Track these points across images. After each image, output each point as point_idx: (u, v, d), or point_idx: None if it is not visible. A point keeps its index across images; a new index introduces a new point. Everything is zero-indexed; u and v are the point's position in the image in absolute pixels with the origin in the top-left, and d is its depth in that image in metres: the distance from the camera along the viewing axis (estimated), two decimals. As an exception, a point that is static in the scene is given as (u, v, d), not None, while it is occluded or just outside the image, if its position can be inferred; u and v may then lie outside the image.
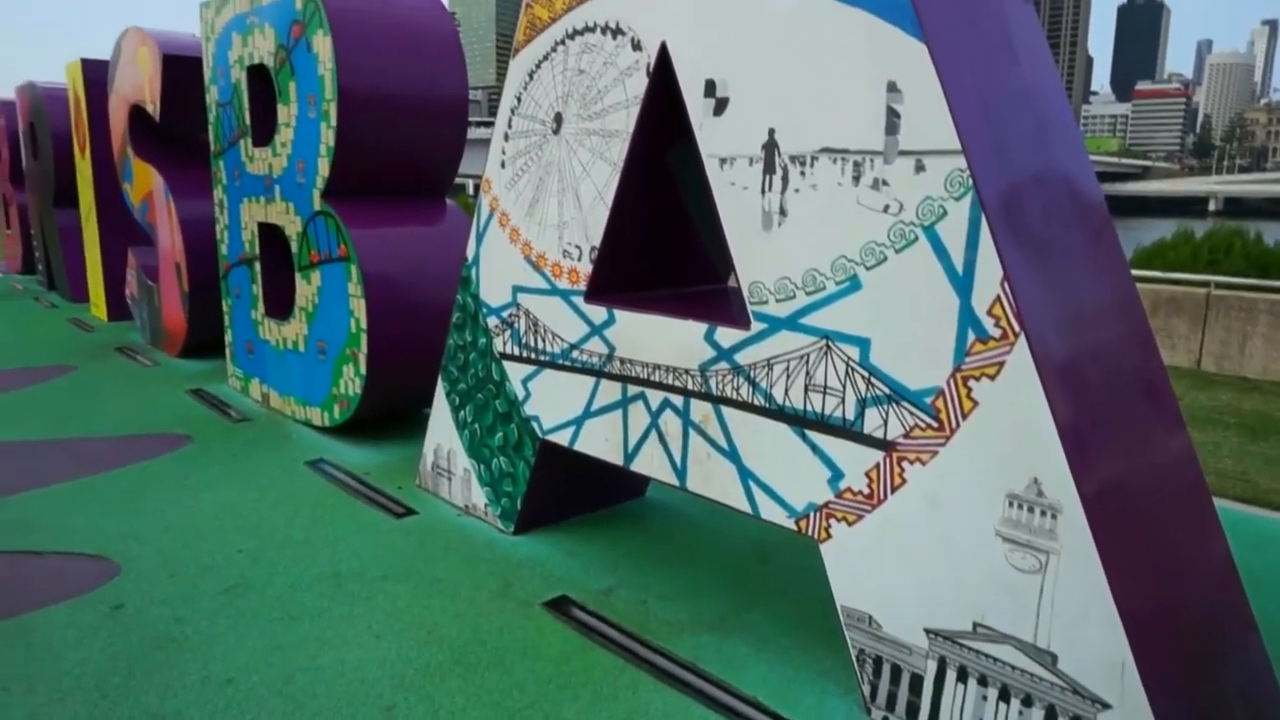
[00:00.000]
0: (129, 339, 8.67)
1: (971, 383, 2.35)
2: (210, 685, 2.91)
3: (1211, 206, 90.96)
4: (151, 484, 4.74)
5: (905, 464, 2.51)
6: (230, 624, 3.29)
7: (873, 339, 2.56)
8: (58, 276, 11.43)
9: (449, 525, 4.23)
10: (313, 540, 4.03)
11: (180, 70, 7.07)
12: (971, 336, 2.33)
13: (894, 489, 2.56)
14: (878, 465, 2.59)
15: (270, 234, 5.94)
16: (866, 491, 2.63)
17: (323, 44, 5.03)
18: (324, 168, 5.19)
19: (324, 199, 5.25)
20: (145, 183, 7.88)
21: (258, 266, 6.11)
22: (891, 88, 2.42)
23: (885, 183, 2.47)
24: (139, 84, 7.61)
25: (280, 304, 5.96)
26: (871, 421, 2.59)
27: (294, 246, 5.62)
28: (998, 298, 2.26)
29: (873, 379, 2.57)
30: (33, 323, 9.80)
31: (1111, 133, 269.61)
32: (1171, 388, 2.72)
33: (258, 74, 5.83)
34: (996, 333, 2.28)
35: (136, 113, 7.82)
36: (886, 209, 2.47)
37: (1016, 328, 2.24)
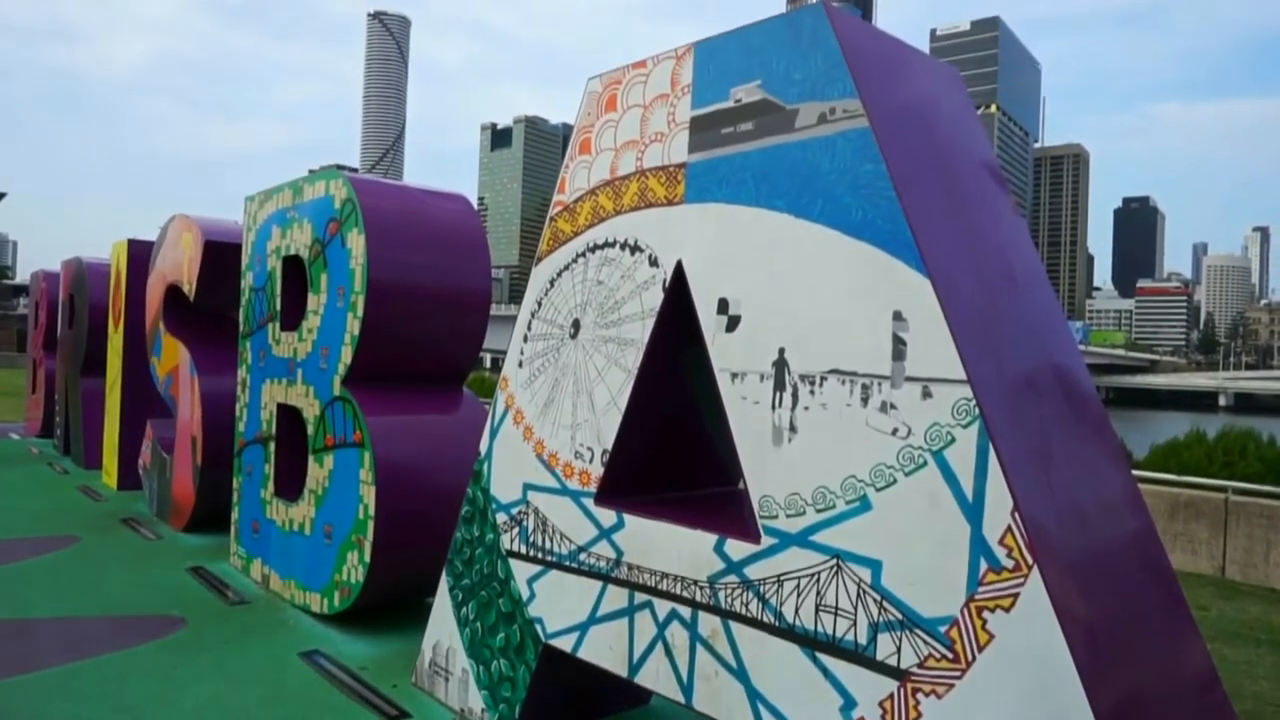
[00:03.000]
0: (136, 509, 8.63)
1: (986, 614, 2.29)
2: None
3: (1222, 402, 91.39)
4: (139, 673, 4.57)
5: (920, 695, 2.41)
6: (201, 842, 3.08)
7: (884, 561, 2.52)
8: (74, 443, 11.54)
9: (442, 731, 4.03)
10: (298, 744, 3.83)
11: (219, 255, 7.45)
12: (984, 566, 2.30)
13: (910, 723, 2.44)
14: (891, 696, 2.49)
15: (288, 415, 6.04)
16: (881, 724, 2.50)
17: (356, 241, 5.32)
18: (347, 355, 5.35)
19: (344, 385, 5.37)
20: (172, 357, 8.11)
21: (273, 446, 6.17)
22: (897, 316, 2.52)
23: (893, 406, 2.52)
24: (179, 265, 8.00)
25: (291, 485, 5.97)
26: (884, 648, 2.51)
27: (310, 429, 5.70)
28: (1009, 528, 2.25)
29: (885, 603, 2.51)
30: (43, 489, 9.80)
31: (1117, 326, 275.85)
32: (1181, 592, 2.69)
33: (292, 263, 6.14)
34: (1009, 564, 2.25)
35: (173, 291, 8.18)
36: (895, 432, 2.51)
37: (1029, 559, 2.21)
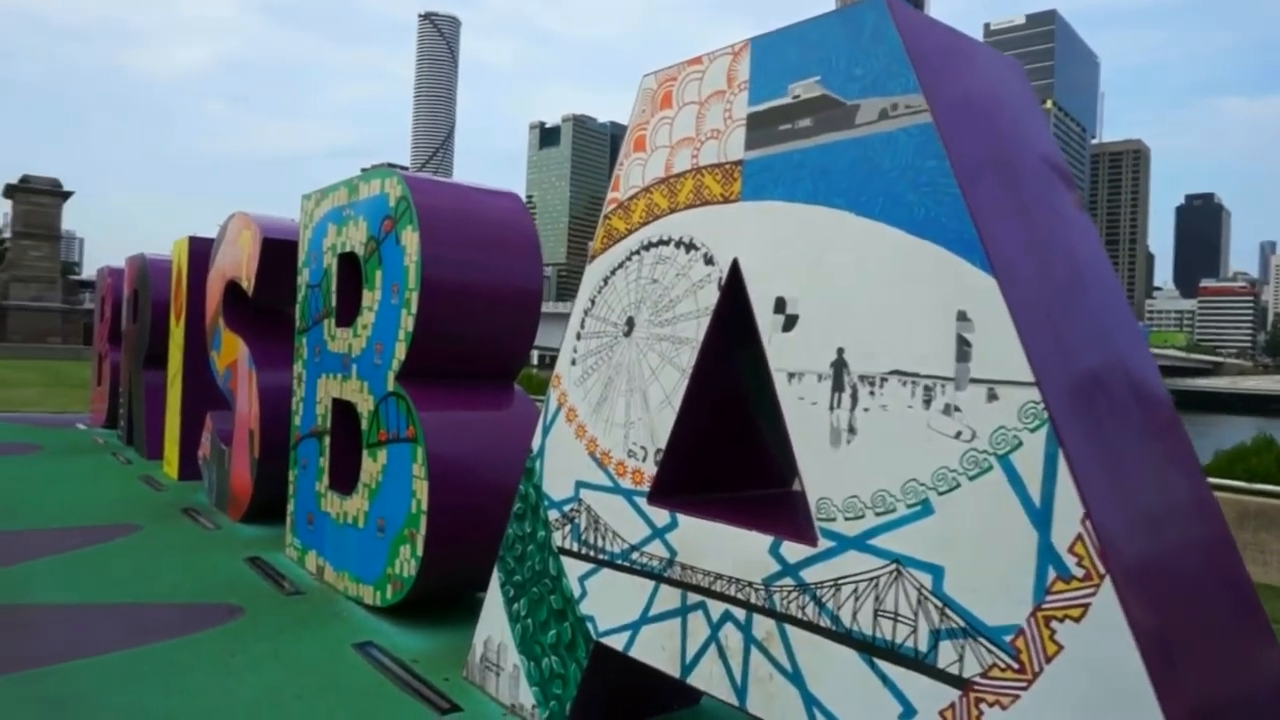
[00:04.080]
0: (195, 500, 8.85)
1: (1054, 624, 2.22)
2: None
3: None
4: (199, 660, 4.68)
5: (984, 706, 2.35)
6: (259, 828, 3.13)
7: (946, 567, 2.47)
8: (137, 434, 11.89)
9: (493, 726, 4.05)
10: (352, 735, 3.88)
11: (277, 252, 7.60)
12: (1053, 574, 2.23)
13: (972, 734, 2.38)
14: (953, 705, 2.43)
15: (343, 410, 6.14)
16: (941, 733, 2.45)
17: (410, 238, 5.38)
18: (401, 351, 5.41)
19: (398, 380, 5.44)
20: (231, 352, 8.30)
21: (327, 440, 6.27)
22: (962, 317, 2.46)
23: (957, 409, 2.46)
24: (238, 262, 8.18)
25: (345, 479, 6.06)
26: (946, 656, 2.45)
27: (364, 424, 5.78)
28: (1079, 536, 2.18)
29: (947, 610, 2.45)
30: (107, 478, 10.10)
31: (1178, 327, 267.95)
32: (1259, 601, 2.58)
33: (347, 260, 6.23)
34: (1079, 573, 2.18)
35: (232, 287, 8.36)
36: (959, 435, 2.45)
37: (1101, 569, 2.14)
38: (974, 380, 2.43)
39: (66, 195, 56.07)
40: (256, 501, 7.70)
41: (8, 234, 60.14)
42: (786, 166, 3.05)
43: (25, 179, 54.61)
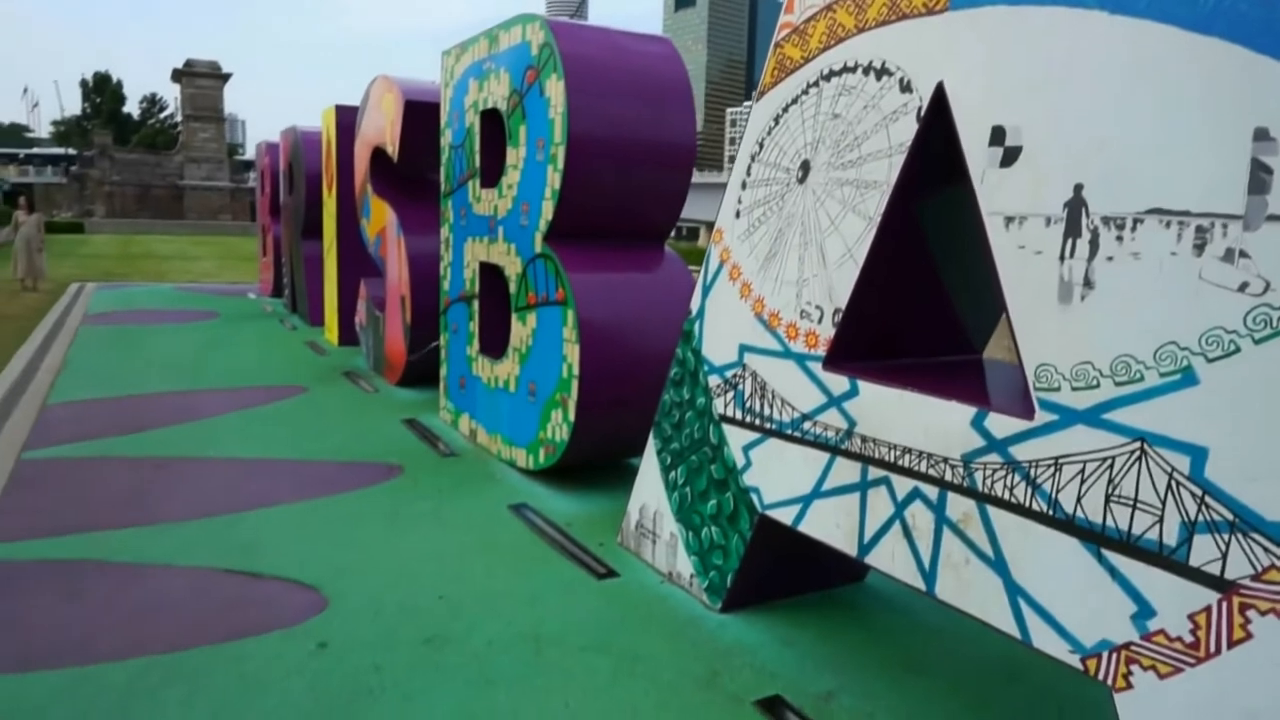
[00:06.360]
0: (355, 364, 9.19)
1: (1366, 521, 1.77)
2: (404, 751, 2.76)
3: None
4: (364, 515, 4.81)
5: (1253, 614, 1.95)
6: (427, 681, 3.16)
7: (1211, 448, 2.03)
8: (300, 301, 12.45)
9: (651, 593, 3.96)
10: (513, 594, 3.88)
11: (419, 115, 7.43)
12: (1370, 460, 1.76)
13: (1232, 642, 2.00)
14: (1208, 610, 2.04)
15: (490, 274, 6.02)
16: (1189, 639, 2.07)
17: (555, 88, 5.03)
18: (548, 211, 5.17)
19: (545, 242, 5.22)
20: (380, 219, 8.34)
21: (476, 304, 6.21)
22: (1261, 136, 1.92)
23: (1243, 254, 1.96)
24: (382, 127, 8.09)
25: (495, 343, 6.01)
26: (1202, 553, 2.05)
27: (512, 287, 5.64)
28: None
29: (1208, 499, 2.03)
30: (275, 344, 10.65)
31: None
32: None
33: (490, 118, 5.97)
34: None
35: (378, 154, 8.32)
36: (1244, 287, 1.95)
37: None
38: (1272, 217, 1.91)
39: (226, 77, 58.60)
40: (411, 367, 7.87)
41: (179, 118, 63.74)
42: (1010, -37, 2.48)
43: (189, 63, 57.28)
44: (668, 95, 5.39)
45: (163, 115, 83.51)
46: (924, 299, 3.49)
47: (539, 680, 3.19)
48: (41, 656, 3.23)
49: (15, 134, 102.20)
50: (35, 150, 79.55)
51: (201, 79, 57.41)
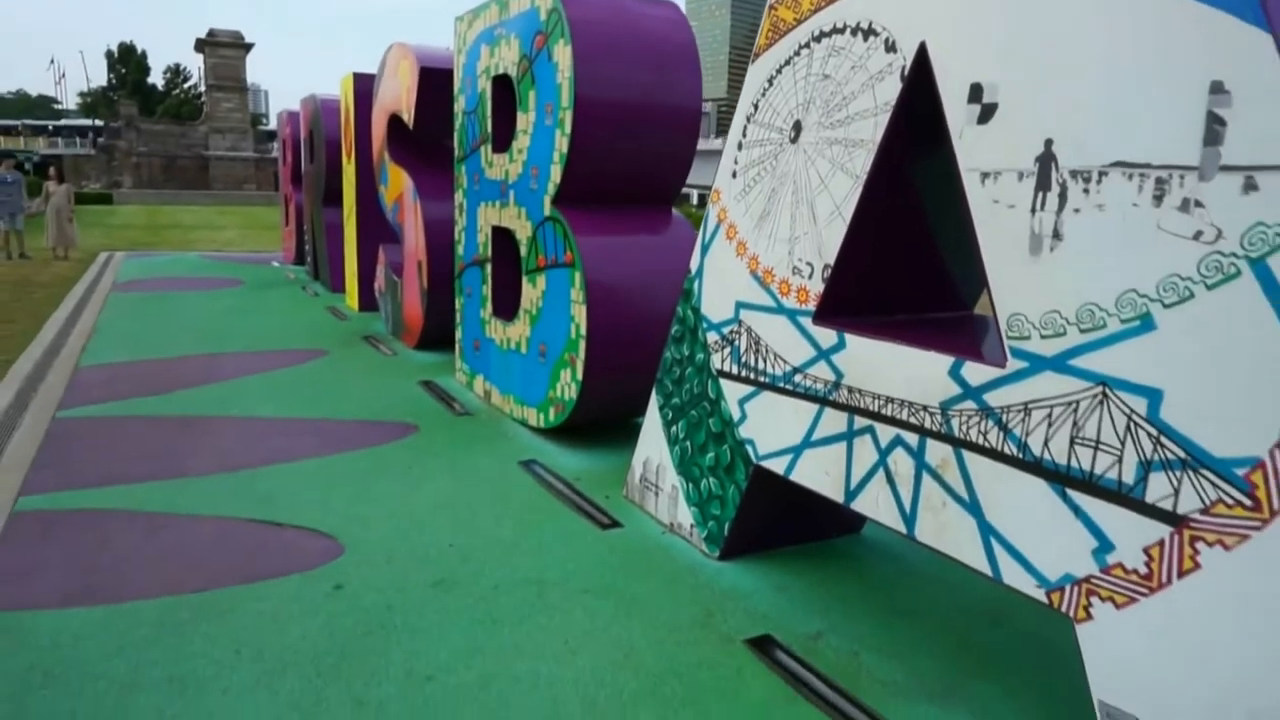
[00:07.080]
0: (374, 329, 9.39)
1: (1304, 456, 1.88)
2: (412, 680, 2.94)
3: None
4: (380, 470, 5.01)
5: (1201, 545, 2.07)
6: (436, 618, 3.34)
7: (1165, 390, 2.13)
8: (322, 268, 12.66)
9: (653, 543, 4.12)
10: (520, 543, 4.06)
11: (434, 81, 7.53)
12: (1309, 398, 1.86)
13: (1182, 573, 2.11)
14: (1161, 542, 2.15)
15: (502, 237, 6.15)
16: (1143, 571, 2.19)
17: (563, 53, 5.11)
18: (556, 174, 5.28)
19: (554, 205, 5.34)
20: (397, 185, 8.48)
21: (489, 268, 6.35)
22: (1217, 89, 1.99)
23: (1198, 204, 2.04)
24: (398, 94, 8.20)
25: (507, 305, 6.15)
26: (1157, 489, 2.16)
27: (523, 250, 5.77)
28: (1353, 353, 1.79)
29: (1163, 438, 2.14)
30: (297, 309, 10.87)
31: None
32: None
33: (501, 83, 6.06)
34: (1347, 397, 1.80)
35: (394, 120, 8.44)
36: (1198, 235, 2.04)
37: (1378, 393, 1.76)
38: (1225, 167, 1.99)
39: (249, 47, 58.74)
40: (429, 330, 8.05)
41: (202, 88, 64.09)
42: (991, -77, 2.54)
43: (212, 33, 57.46)
44: (674, 59, 5.45)
45: (186, 85, 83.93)
46: (918, 258, 3.58)
47: (541, 619, 3.37)
48: (79, 595, 3.46)
49: (44, 105, 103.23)
50: (64, 122, 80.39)
51: (224, 48, 57.61)
